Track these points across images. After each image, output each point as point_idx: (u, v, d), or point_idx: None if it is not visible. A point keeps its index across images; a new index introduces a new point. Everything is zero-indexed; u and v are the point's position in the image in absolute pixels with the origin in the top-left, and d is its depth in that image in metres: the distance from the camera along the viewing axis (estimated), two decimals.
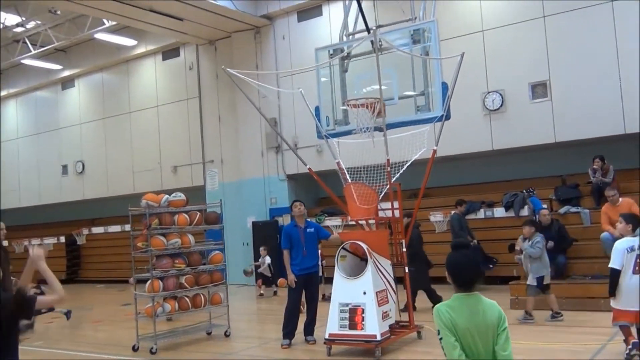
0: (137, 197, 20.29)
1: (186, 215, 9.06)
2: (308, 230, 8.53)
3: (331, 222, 15.44)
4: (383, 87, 7.97)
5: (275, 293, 14.12)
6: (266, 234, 16.66)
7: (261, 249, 14.69)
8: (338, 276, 7.70)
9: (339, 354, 7.63)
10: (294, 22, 16.53)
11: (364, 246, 7.67)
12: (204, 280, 9.13)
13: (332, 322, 7.58)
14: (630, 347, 6.36)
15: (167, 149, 19.25)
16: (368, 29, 8.84)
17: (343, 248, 7.88)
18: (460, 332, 3.05)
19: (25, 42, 19.52)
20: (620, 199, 10.20)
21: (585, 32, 12.43)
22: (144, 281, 16.90)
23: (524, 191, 12.99)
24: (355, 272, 7.88)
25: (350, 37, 9.31)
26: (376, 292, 7.47)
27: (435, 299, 10.00)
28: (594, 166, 11.91)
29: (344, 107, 8.83)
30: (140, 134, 19.94)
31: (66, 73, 21.65)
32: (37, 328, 10.87)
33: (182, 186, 18.77)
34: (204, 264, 9.24)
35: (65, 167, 22.15)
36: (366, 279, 7.51)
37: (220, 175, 18.06)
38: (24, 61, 20.38)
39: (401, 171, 8.09)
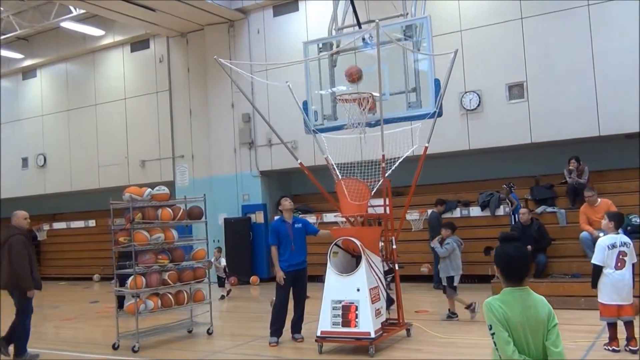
0: (102, 192, 20.01)
1: (170, 210, 8.80)
2: (296, 225, 8.40)
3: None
4: (374, 83, 7.90)
5: (228, 293, 13.63)
6: (238, 231, 16.42)
7: (215, 250, 14.03)
8: (331, 273, 7.59)
9: (330, 352, 7.52)
10: (269, 17, 16.32)
11: (358, 242, 7.58)
12: (187, 276, 8.88)
13: (324, 320, 7.46)
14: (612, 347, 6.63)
15: (135, 143, 18.76)
16: (359, 24, 8.76)
17: (335, 244, 7.77)
18: (512, 327, 2.98)
19: None
20: (599, 200, 10.40)
21: (561, 35, 12.64)
22: (109, 278, 16.46)
23: (505, 186, 13.10)
24: (347, 269, 7.79)
25: (340, 31, 9.19)
26: (369, 289, 7.39)
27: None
28: (570, 167, 12.12)
29: (335, 98, 8.69)
30: (107, 127, 19.38)
31: (28, 62, 20.88)
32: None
33: (151, 181, 18.26)
34: (186, 260, 9.00)
35: (25, 160, 21.37)
36: (360, 276, 7.42)
37: (191, 170, 17.71)
38: None
39: (393, 167, 8.02)
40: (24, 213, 8.24)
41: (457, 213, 13.76)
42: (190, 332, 9.27)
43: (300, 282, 8.35)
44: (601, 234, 7.44)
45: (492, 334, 2.99)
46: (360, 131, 8.19)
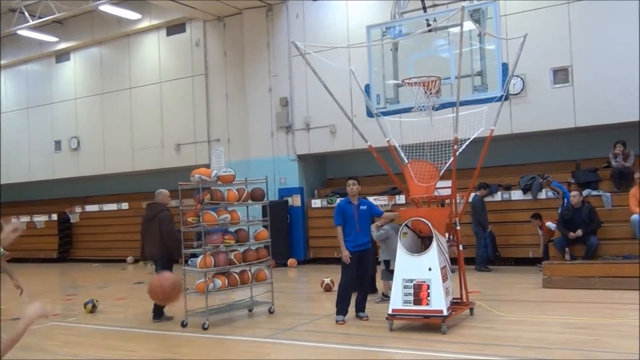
0: (137, 175, 20.22)
1: (235, 191, 8.98)
2: (361, 207, 8.55)
3: None
4: (441, 67, 8.03)
5: None
6: (275, 214, 16.58)
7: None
8: (402, 252, 7.75)
9: (400, 330, 7.71)
10: (309, 2, 16.38)
11: (429, 223, 7.74)
12: (251, 256, 9.07)
13: (395, 298, 7.64)
14: None
15: (170, 126, 18.94)
16: (425, 7, 8.85)
17: (405, 225, 7.93)
18: None
19: (23, 12, 18.84)
20: None
21: (607, 20, 12.68)
22: (137, 260, 16.75)
23: (542, 180, 13.26)
24: (413, 249, 7.97)
25: (402, 15, 9.29)
26: (440, 268, 7.56)
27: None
28: (616, 151, 12.22)
29: (398, 84, 8.80)
30: (141, 111, 19.56)
31: (62, 46, 21.03)
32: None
33: (186, 165, 18.59)
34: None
35: (58, 143, 21.59)
36: (432, 256, 7.58)
37: (227, 154, 17.86)
38: (19, 32, 19.67)
39: (460, 149, 8.14)
40: (167, 192, 9.55)
41: (498, 197, 13.90)
42: (250, 311, 9.48)
43: (364, 263, 8.52)
44: None
45: None
46: (427, 114, 8.30)
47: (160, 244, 8.90)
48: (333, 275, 11.38)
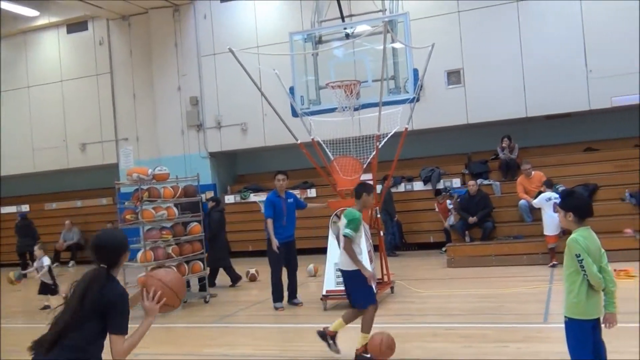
0: (38, 176, 19.58)
1: (170, 188, 9.42)
2: (289, 200, 9.24)
3: (258, 198, 16.08)
4: (357, 71, 8.98)
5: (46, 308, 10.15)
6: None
7: (36, 248, 10.95)
8: (332, 239, 8.60)
9: (334, 309, 8.56)
10: (216, 2, 16.80)
11: None
12: (186, 250, 9.56)
13: (328, 281, 8.51)
14: None
15: (74, 125, 18.59)
16: (343, 17, 9.74)
17: (335, 215, 8.79)
18: (591, 254, 4.02)
19: None
20: (533, 172, 12.14)
21: (494, 27, 14.26)
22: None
23: (437, 168, 14.71)
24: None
25: (321, 23, 10.12)
26: (367, 252, 8.48)
27: (234, 276, 11.36)
28: (503, 145, 13.82)
29: (321, 87, 9.64)
30: (42, 110, 19.01)
31: None
32: None
33: (93, 164, 18.46)
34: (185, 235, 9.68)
35: None
36: (360, 241, 8.48)
37: (136, 153, 17.92)
38: None
39: (380, 145, 9.12)
40: None
41: (401, 188, 15.17)
42: (185, 302, 9.94)
43: (291, 253, 9.19)
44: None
45: (581, 260, 3.96)
46: (349, 114, 9.21)
47: None
48: (250, 266, 12.08)
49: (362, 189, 6.66)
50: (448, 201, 13.36)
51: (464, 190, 13.04)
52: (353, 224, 6.23)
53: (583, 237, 4.06)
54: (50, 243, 17.88)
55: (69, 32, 18.67)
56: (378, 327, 7.35)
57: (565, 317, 4.09)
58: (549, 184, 11.40)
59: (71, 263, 17.77)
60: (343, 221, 6.36)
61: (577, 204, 4.15)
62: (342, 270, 6.48)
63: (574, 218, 4.12)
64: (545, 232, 10.76)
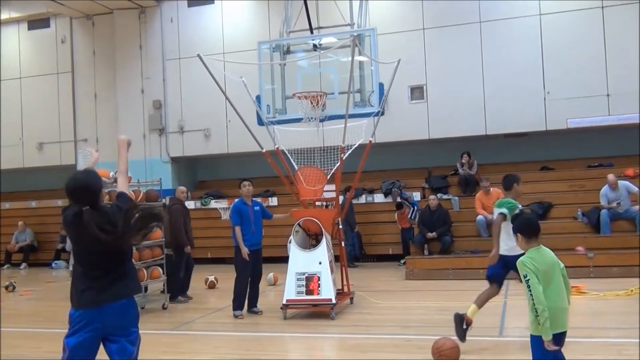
0: None
1: (132, 192, 9.30)
2: (255, 208, 9.23)
3: (219, 204, 16.02)
4: (324, 83, 9.09)
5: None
6: None
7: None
8: (294, 248, 8.65)
9: (293, 318, 8.60)
10: (183, 6, 16.76)
11: (319, 223, 8.72)
12: (145, 255, 9.46)
13: (289, 289, 8.52)
14: None
15: (32, 124, 18.21)
16: (311, 29, 9.85)
17: (298, 224, 8.84)
18: (541, 274, 4.15)
19: None
20: (491, 189, 12.44)
21: (457, 46, 14.61)
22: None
23: (398, 181, 14.95)
24: (303, 245, 8.90)
25: (290, 34, 10.20)
26: (329, 262, 8.57)
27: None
28: (462, 160, 14.14)
29: (287, 96, 9.72)
30: None
31: None
32: None
33: (50, 164, 18.06)
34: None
35: None
36: (322, 251, 8.57)
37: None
38: None
39: (345, 156, 9.22)
40: (183, 188, 11.31)
41: (362, 199, 15.33)
42: (142, 308, 9.81)
43: (258, 261, 9.15)
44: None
45: (527, 280, 4.14)
46: (315, 125, 9.29)
47: (170, 233, 10.07)
48: (209, 273, 12.03)
49: (513, 179, 6.87)
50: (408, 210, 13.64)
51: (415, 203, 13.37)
52: (510, 205, 6.53)
53: (531, 258, 4.20)
54: (1, 244, 17.48)
55: (30, 28, 18.33)
56: (337, 337, 7.45)
57: (530, 333, 4.22)
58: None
59: (23, 265, 17.32)
60: (496, 210, 6.72)
61: (522, 225, 4.31)
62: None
63: (522, 238, 4.28)
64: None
